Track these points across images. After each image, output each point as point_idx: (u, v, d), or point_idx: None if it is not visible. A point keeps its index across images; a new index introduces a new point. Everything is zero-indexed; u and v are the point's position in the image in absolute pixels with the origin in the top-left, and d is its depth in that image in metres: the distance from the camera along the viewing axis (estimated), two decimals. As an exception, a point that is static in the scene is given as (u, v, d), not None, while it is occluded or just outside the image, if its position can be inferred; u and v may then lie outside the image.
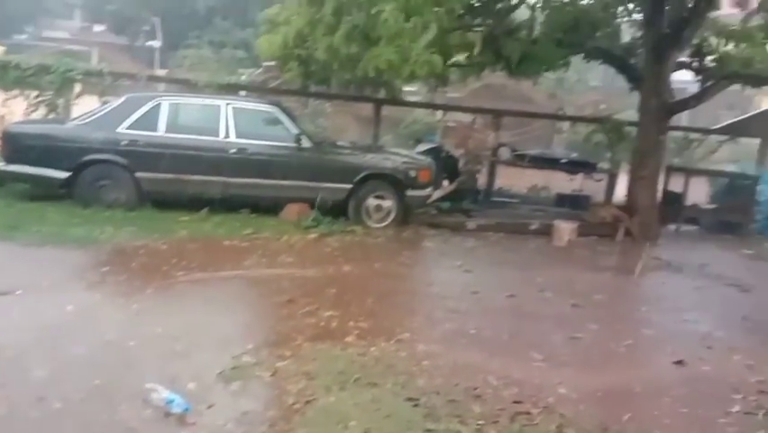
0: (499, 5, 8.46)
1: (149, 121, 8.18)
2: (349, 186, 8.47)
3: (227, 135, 8.28)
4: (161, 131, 8.20)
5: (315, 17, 7.61)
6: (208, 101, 8.63)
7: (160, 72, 22.15)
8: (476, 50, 7.80)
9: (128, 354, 4.09)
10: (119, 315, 4.79)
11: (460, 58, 9.04)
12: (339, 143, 9.55)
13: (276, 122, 8.51)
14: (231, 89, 10.14)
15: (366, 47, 6.65)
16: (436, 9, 6.66)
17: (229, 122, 8.31)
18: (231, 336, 4.52)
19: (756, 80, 9.55)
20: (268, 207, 8.32)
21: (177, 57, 25.78)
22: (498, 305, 5.86)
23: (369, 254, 7.25)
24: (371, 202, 8.55)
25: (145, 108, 8.22)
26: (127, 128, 8.12)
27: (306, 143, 8.40)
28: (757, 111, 13.54)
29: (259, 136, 8.40)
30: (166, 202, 8.14)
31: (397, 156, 9.08)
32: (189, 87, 10.22)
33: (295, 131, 8.44)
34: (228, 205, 8.27)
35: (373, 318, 5.05)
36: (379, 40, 6.54)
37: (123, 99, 8.47)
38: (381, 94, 10.66)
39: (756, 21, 9.80)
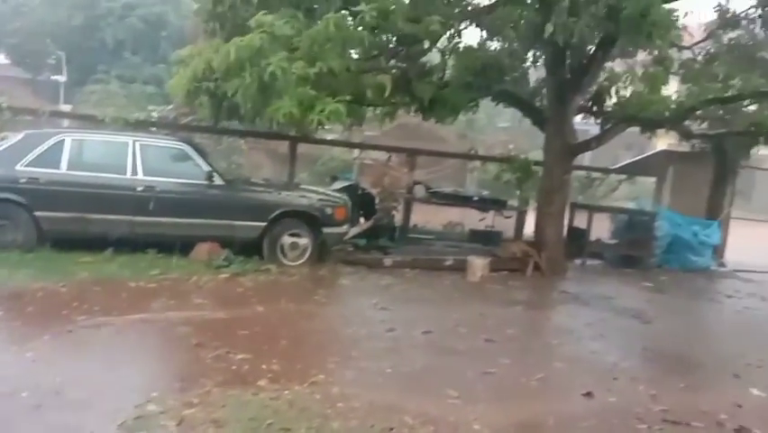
0: (412, 49, 8.67)
1: (50, 158, 7.82)
2: (263, 224, 8.35)
3: (134, 173, 8.03)
4: (64, 168, 7.86)
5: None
6: (115, 137, 8.34)
7: (65, 107, 21.34)
8: (387, 92, 7.91)
9: (22, 407, 3.81)
10: (12, 364, 4.48)
11: (374, 99, 9.16)
12: (253, 181, 9.43)
13: (186, 159, 8.33)
14: (140, 126, 9.85)
15: (265, 99, 6.60)
16: (338, 54, 6.67)
17: (136, 159, 8.07)
18: (135, 383, 4.30)
19: (651, 123, 10.16)
20: (177, 247, 8.08)
21: (83, 92, 24.94)
22: (414, 342, 5.87)
23: (283, 294, 7.13)
24: (287, 240, 8.46)
25: (46, 145, 7.86)
26: (26, 165, 7.73)
27: (218, 181, 8.25)
28: (652, 152, 14.40)
29: (168, 174, 8.18)
30: (67, 242, 7.75)
31: (313, 193, 9.05)
32: (95, 123, 9.86)
33: (206, 168, 8.28)
34: (134, 245, 7.97)
35: (287, 361, 4.94)
36: (278, 91, 6.51)
37: (21, 135, 8.07)
38: (294, 132, 10.64)
39: (653, 69, 10.52)
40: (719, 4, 10.91)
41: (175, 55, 9.41)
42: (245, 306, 6.47)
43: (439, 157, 14.55)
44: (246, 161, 14.61)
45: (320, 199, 8.82)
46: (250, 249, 8.34)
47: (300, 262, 8.46)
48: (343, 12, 6.79)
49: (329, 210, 8.68)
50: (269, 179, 10.74)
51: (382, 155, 12.44)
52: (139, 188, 7.97)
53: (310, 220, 8.56)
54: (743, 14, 10.70)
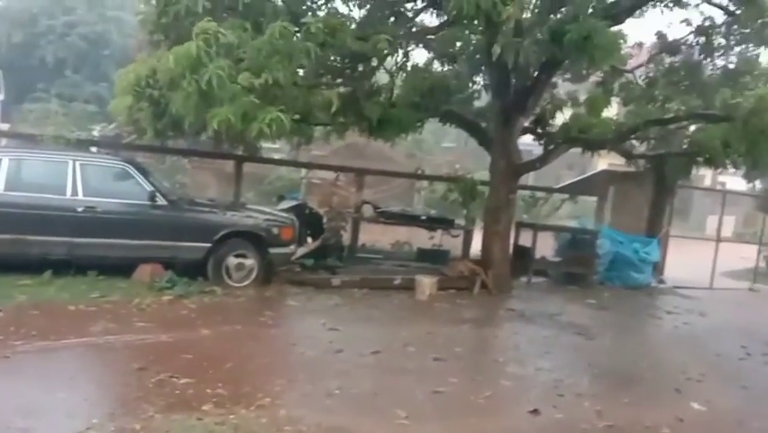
0: (359, 68, 8.72)
1: (-14, 178, 7.54)
2: (207, 244, 8.20)
3: (75, 193, 7.79)
4: (1, 189, 7.58)
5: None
6: (54, 157, 8.08)
7: (3, 126, 20.65)
8: (333, 108, 7.90)
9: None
10: (-61, 394, 4.25)
11: (322, 117, 9.15)
12: (197, 201, 9.26)
13: (128, 178, 8.13)
14: (80, 145, 9.58)
15: (206, 109, 6.51)
16: (284, 66, 6.64)
17: (77, 179, 7.84)
18: (75, 409, 4.14)
19: (592, 144, 10.45)
20: (119, 269, 7.85)
21: (22, 110, 24.17)
22: (363, 362, 5.82)
23: (228, 316, 7.00)
24: (232, 261, 8.32)
25: (-17, 165, 7.58)
26: (-40, 186, 7.43)
27: (161, 201, 8.08)
28: (593, 172, 14.81)
29: (110, 194, 7.97)
30: (4, 265, 7.44)
31: (259, 213, 8.95)
32: (35, 142, 9.55)
33: (149, 188, 8.09)
34: (75, 267, 7.71)
35: (233, 384, 4.83)
36: (220, 99, 6.43)
37: (-46, 155, 7.76)
38: (240, 151, 10.53)
39: (595, 91, 10.85)
40: (659, 31, 11.35)
41: (118, 75, 9.22)
42: (189, 328, 6.31)
43: (387, 177, 14.62)
44: (190, 181, 14.38)
45: (266, 219, 8.72)
46: (194, 270, 8.17)
47: (246, 283, 8.33)
48: (289, 24, 6.75)
49: (276, 230, 8.59)
50: (215, 198, 10.58)
51: (330, 174, 12.41)
52: (79, 209, 7.74)
53: (256, 240, 8.45)
54: (682, 41, 11.15)
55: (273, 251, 8.54)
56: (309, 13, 7.80)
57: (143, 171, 8.43)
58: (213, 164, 14.06)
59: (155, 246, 8.03)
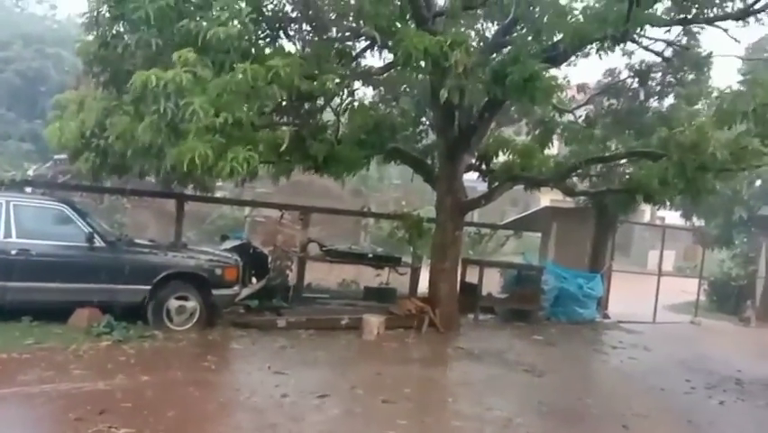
0: (306, 107, 8.70)
1: None
2: (147, 287, 7.92)
3: (8, 235, 7.45)
4: (-71, 231, 7.21)
5: (113, 104, 7.28)
6: (-14, 198, 7.74)
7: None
8: (283, 147, 7.85)
9: None
10: None
11: (268, 155, 9.08)
12: (137, 241, 8.97)
13: (65, 220, 7.83)
14: (15, 185, 9.20)
15: (173, 139, 6.39)
16: (246, 106, 6.62)
17: (10, 220, 7.51)
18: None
19: (534, 182, 10.66)
20: (54, 314, 7.50)
21: (-48, 148, 23.29)
22: (310, 407, 5.66)
23: (170, 361, 6.74)
24: (173, 303, 8.05)
25: None
26: None
27: (99, 242, 7.79)
28: (537, 208, 15.09)
29: (45, 236, 7.67)
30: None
31: (202, 254, 8.73)
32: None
33: (86, 229, 7.81)
34: (7, 312, 7.33)
35: (174, 434, 4.62)
36: (187, 133, 6.32)
37: None
38: (189, 189, 10.32)
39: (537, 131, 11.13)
40: (606, 70, 11.79)
41: (54, 101, 8.97)
42: (129, 375, 6.03)
43: (333, 214, 14.55)
44: (130, 221, 13.99)
45: (209, 260, 8.51)
46: (133, 314, 7.87)
47: (188, 326, 8.06)
48: (258, 67, 6.72)
49: (219, 271, 8.39)
50: (155, 239, 10.28)
51: (275, 213, 12.26)
52: (13, 252, 7.40)
53: (198, 282, 8.22)
54: (621, 83, 11.59)
55: (216, 292, 8.32)
56: (266, 50, 7.83)
57: (80, 212, 8.15)
58: (153, 203, 13.75)
59: (93, 290, 7.71)
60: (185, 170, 6.39)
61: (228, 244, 10.34)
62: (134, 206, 14.12)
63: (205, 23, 6.68)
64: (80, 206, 8.71)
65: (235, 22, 6.80)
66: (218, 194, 13.03)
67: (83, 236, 7.73)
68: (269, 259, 10.57)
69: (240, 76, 6.43)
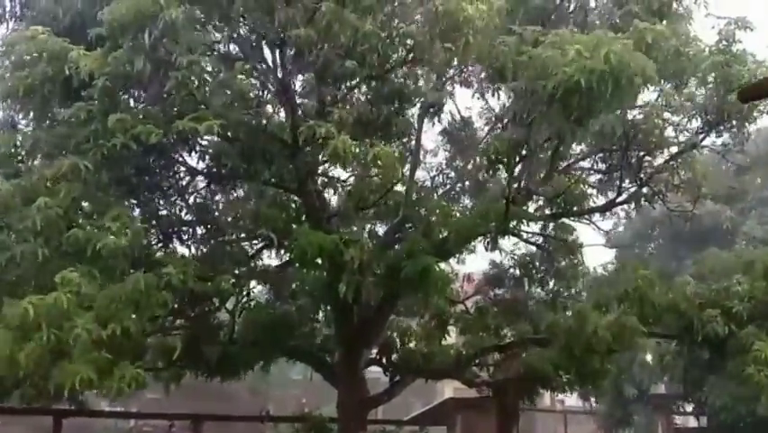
0: (198, 309, 8.49)
1: None
2: None
3: None
4: None
5: None
6: None
7: None
8: (176, 354, 7.51)
9: None
10: None
11: (160, 362, 8.63)
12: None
13: None
14: None
15: (56, 363, 5.94)
16: (134, 315, 6.35)
17: None
18: None
19: (437, 373, 10.62)
20: None
21: None
22: None
23: None
24: None
25: None
26: None
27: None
28: (440, 401, 14.87)
29: None
30: None
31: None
32: None
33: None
34: None
35: None
36: (71, 353, 5.91)
37: None
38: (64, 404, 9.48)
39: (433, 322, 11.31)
40: (490, 262, 12.42)
41: None
42: None
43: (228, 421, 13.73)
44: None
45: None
46: None
47: None
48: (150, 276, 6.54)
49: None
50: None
51: (164, 422, 11.41)
52: None
53: None
54: (505, 273, 12.18)
55: None
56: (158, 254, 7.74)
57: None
58: (28, 420, 12.47)
59: None
60: (66, 394, 5.95)
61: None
62: (4, 422, 12.72)
63: (96, 231, 6.57)
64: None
65: (127, 230, 6.72)
66: (101, 404, 12.05)
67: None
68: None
69: (130, 286, 6.26)
